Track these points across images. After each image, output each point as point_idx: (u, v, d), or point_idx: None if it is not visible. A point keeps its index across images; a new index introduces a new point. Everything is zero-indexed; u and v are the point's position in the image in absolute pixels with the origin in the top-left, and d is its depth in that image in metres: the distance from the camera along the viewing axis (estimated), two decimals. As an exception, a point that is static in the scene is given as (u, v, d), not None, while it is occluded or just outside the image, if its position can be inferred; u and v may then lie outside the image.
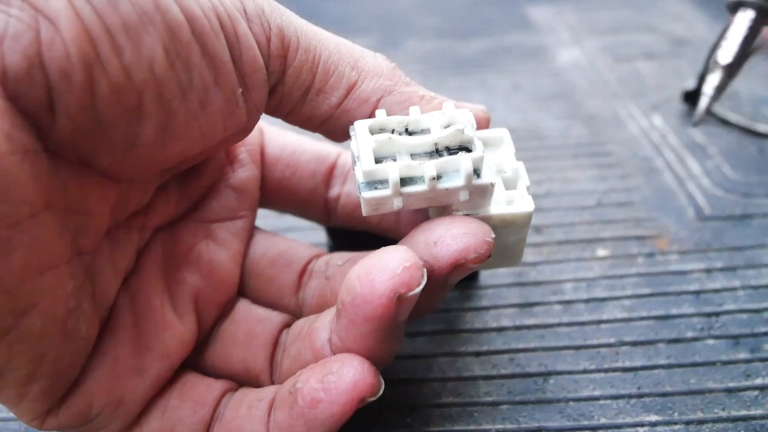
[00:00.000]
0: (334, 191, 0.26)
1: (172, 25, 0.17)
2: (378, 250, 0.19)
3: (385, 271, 0.18)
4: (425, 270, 0.18)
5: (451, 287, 0.21)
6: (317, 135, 0.26)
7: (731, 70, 0.33)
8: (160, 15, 0.16)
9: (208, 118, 0.18)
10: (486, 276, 0.30)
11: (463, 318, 0.28)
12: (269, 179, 0.26)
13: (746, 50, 0.32)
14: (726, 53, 0.32)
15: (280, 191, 0.26)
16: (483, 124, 0.23)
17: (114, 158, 0.17)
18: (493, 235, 0.19)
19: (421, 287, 0.18)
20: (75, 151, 0.17)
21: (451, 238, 0.19)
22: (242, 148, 0.25)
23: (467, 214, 0.20)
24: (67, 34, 0.15)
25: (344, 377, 0.18)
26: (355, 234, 0.27)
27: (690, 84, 0.41)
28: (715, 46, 0.33)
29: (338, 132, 0.22)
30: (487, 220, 0.20)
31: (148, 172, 0.19)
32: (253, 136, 0.25)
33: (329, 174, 0.26)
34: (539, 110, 0.43)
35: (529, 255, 0.31)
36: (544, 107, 0.43)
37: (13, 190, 0.14)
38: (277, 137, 0.26)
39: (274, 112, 0.21)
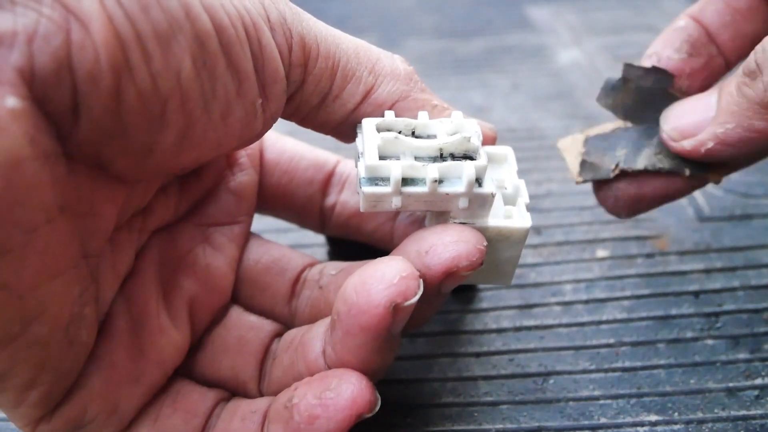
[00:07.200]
0: (330, 200, 0.26)
1: (201, 34, 0.16)
2: (374, 261, 0.19)
3: (382, 281, 0.18)
4: (421, 280, 0.18)
5: (445, 297, 0.21)
6: (315, 141, 0.26)
7: None
8: (190, 23, 0.16)
9: (226, 129, 0.18)
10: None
11: (463, 319, 0.28)
12: (266, 184, 0.25)
13: None
14: None
15: (276, 197, 0.25)
16: (489, 141, 0.23)
17: (129, 162, 0.17)
18: (485, 243, 0.19)
19: (417, 297, 0.18)
20: (93, 154, 0.16)
21: (442, 247, 0.19)
22: (242, 152, 0.24)
23: (464, 223, 0.20)
24: (98, 38, 0.14)
25: (342, 394, 0.18)
26: (354, 241, 0.27)
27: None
28: None
29: (350, 134, 0.22)
30: (483, 231, 0.20)
31: (159, 176, 0.19)
32: None
33: (326, 182, 0.26)
34: (539, 110, 0.43)
35: (528, 256, 0.31)
36: (544, 107, 0.43)
37: (33, 195, 0.14)
38: (276, 142, 0.26)
39: (289, 117, 0.21)
